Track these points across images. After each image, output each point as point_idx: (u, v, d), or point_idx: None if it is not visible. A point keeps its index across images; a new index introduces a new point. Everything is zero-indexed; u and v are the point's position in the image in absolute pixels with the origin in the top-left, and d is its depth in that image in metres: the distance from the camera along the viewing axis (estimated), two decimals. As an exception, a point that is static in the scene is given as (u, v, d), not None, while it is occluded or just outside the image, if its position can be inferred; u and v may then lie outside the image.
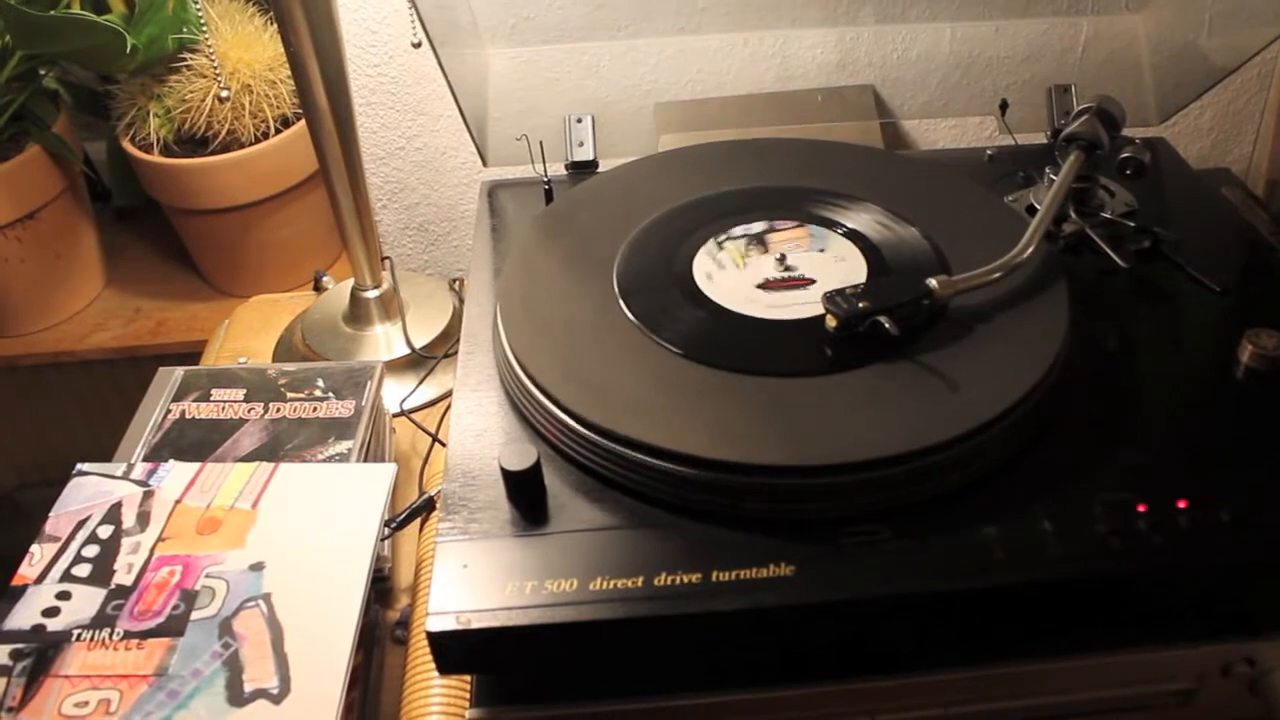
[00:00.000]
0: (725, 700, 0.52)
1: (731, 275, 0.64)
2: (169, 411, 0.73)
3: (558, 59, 0.87)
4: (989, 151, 0.81)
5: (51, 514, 0.64)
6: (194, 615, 0.58)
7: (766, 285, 0.63)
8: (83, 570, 0.60)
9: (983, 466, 0.53)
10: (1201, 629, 0.53)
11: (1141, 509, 0.51)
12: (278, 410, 0.72)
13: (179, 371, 0.76)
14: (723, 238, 0.66)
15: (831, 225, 0.68)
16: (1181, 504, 0.51)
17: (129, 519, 0.63)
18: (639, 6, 0.87)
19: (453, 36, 0.81)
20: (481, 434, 0.58)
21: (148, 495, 0.65)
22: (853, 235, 0.67)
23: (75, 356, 1.01)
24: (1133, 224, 0.70)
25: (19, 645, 0.56)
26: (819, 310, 0.59)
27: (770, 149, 0.78)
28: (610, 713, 0.52)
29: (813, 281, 0.63)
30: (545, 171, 0.79)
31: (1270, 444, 0.55)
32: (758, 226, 0.68)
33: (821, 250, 0.66)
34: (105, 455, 0.69)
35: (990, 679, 0.53)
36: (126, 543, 0.62)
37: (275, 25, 0.77)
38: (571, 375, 0.57)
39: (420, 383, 0.84)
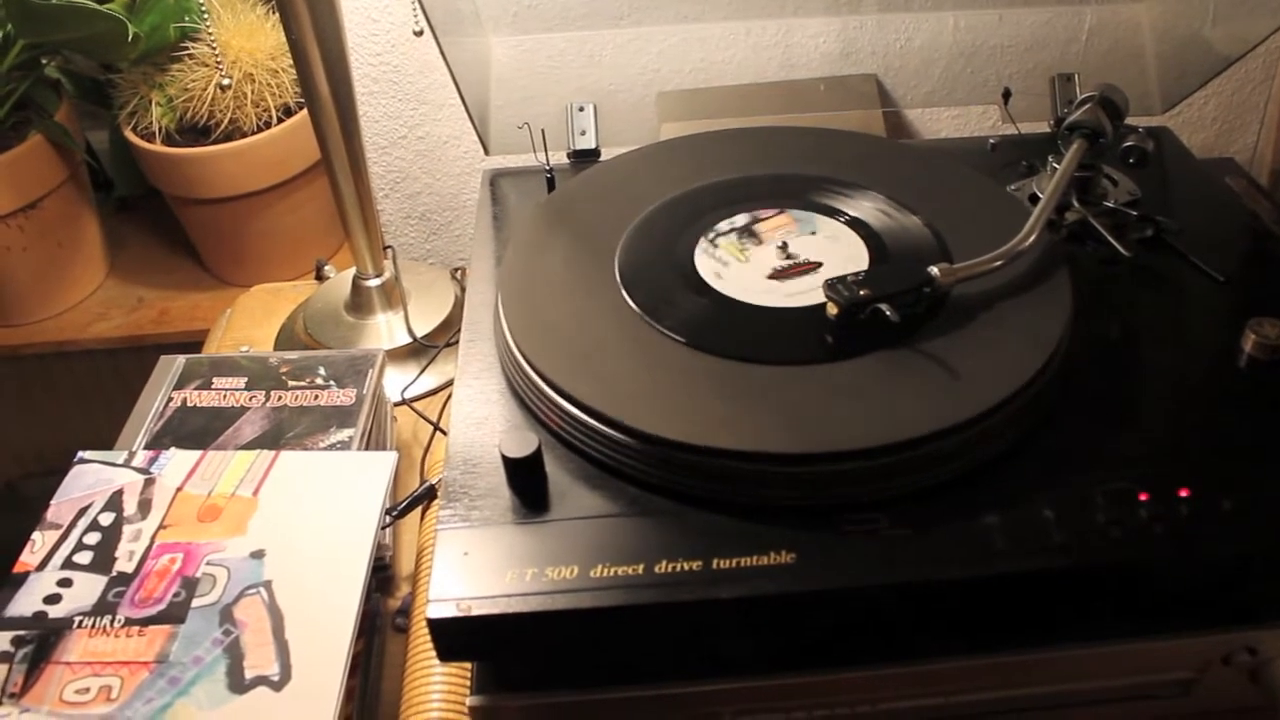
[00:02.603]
0: (725, 688, 0.52)
1: (736, 270, 0.64)
2: (170, 399, 0.73)
3: (560, 47, 0.87)
4: (992, 140, 0.81)
5: (53, 501, 0.64)
6: (195, 602, 0.58)
7: (778, 275, 0.63)
8: (84, 557, 0.60)
9: (984, 455, 0.53)
10: (1203, 617, 0.53)
11: (1143, 498, 0.51)
12: (279, 398, 0.72)
13: (181, 359, 0.76)
14: (713, 235, 0.66)
15: (834, 213, 0.68)
16: (1183, 493, 0.51)
17: (130, 506, 0.63)
18: (641, -5, 0.87)
19: (455, 24, 0.81)
20: (482, 422, 0.58)
21: (149, 483, 0.65)
22: (855, 223, 0.67)
23: (77, 346, 1.01)
24: (1135, 213, 0.70)
25: (20, 632, 0.56)
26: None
27: (773, 137, 0.78)
28: (610, 700, 0.52)
29: (819, 264, 0.63)
30: (547, 160, 0.79)
31: (1272, 433, 0.55)
32: (741, 219, 0.68)
33: (813, 233, 0.66)
34: (107, 444, 0.69)
35: (991, 668, 0.53)
36: (128, 530, 0.62)
37: (277, 14, 0.77)
38: (572, 362, 0.57)
39: (422, 371, 0.85)
